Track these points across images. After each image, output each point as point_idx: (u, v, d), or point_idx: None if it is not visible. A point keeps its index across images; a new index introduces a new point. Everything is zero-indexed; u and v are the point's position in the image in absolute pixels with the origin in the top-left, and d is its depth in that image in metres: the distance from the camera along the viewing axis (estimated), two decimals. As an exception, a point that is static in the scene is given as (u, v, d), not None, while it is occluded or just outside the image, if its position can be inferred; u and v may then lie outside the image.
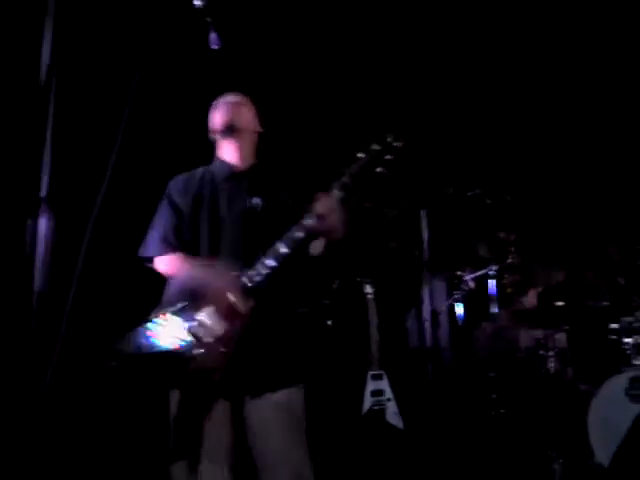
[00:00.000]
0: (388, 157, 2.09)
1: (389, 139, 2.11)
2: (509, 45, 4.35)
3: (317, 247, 2.20)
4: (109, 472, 3.20)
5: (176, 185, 2.27)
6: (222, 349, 1.96)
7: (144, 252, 2.23)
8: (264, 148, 2.33)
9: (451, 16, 4.24)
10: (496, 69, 4.49)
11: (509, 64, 4.47)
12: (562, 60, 4.42)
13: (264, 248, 2.03)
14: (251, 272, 2.00)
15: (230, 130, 2.22)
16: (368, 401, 3.95)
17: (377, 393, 3.95)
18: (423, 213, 4.88)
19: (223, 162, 2.28)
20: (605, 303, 3.67)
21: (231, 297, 1.98)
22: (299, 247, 2.03)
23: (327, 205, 2.02)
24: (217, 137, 2.29)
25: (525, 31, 4.28)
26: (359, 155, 2.10)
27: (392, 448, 3.73)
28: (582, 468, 3.19)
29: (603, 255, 3.89)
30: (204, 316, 1.99)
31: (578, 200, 4.55)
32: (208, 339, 1.96)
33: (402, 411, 3.96)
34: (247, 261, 2.04)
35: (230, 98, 2.30)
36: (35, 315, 1.37)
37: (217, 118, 2.26)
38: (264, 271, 1.99)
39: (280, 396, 2.07)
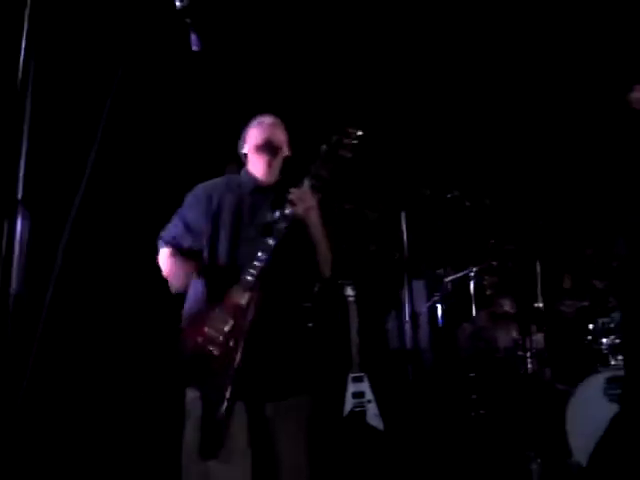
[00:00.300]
0: (347, 141, 2.23)
1: (347, 129, 2.26)
2: (489, 49, 4.39)
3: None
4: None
5: (200, 195, 2.40)
6: (232, 344, 2.11)
7: (161, 237, 2.39)
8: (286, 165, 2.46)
9: (432, 22, 4.27)
10: (476, 74, 4.52)
11: (488, 70, 4.51)
12: (539, 67, 4.47)
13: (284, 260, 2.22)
14: (248, 268, 2.15)
15: (268, 147, 2.37)
16: (349, 403, 3.96)
17: (358, 395, 3.96)
18: (403, 215, 4.90)
19: (251, 175, 2.42)
20: (583, 304, 3.71)
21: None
22: (284, 237, 2.18)
23: (299, 193, 2.20)
24: (249, 151, 2.42)
25: (506, 34, 4.31)
26: (322, 147, 2.25)
27: (373, 449, 3.74)
28: (560, 467, 3.22)
29: (580, 257, 3.95)
30: (213, 315, 2.16)
31: (555, 203, 4.60)
32: (219, 336, 2.12)
33: (383, 412, 3.96)
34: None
35: (271, 119, 2.45)
36: (12, 317, 1.35)
37: (257, 134, 2.40)
38: (258, 264, 2.14)
39: (299, 401, 2.25)
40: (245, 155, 2.44)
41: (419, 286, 4.91)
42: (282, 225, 2.17)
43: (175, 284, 2.32)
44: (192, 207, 2.38)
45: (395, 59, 4.42)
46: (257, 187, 2.39)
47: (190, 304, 2.32)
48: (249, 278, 2.13)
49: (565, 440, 3.20)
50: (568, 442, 3.18)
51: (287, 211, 2.19)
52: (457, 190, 4.14)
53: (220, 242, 2.29)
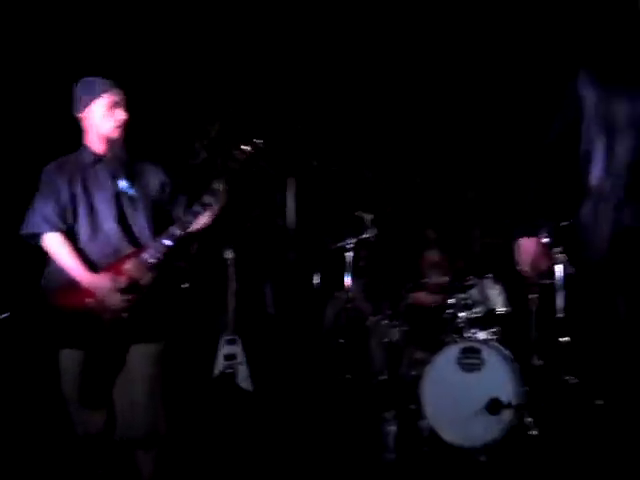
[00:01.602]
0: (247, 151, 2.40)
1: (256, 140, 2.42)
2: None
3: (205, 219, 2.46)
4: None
5: (53, 171, 2.37)
6: (123, 308, 2.24)
7: (30, 229, 2.34)
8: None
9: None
10: (360, 46, 4.56)
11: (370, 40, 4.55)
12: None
13: (137, 227, 2.33)
14: (150, 250, 2.27)
15: (125, 104, 2.37)
16: (220, 365, 4.00)
17: (230, 357, 4.02)
18: (291, 181, 4.94)
19: (88, 148, 2.40)
20: (445, 278, 3.96)
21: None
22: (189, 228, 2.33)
23: (215, 200, 2.34)
24: (101, 112, 2.34)
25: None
26: (243, 147, 2.38)
27: (240, 410, 3.82)
28: (414, 429, 3.45)
29: (421, 236, 4.23)
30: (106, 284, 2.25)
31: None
32: (111, 304, 2.24)
33: (254, 375, 4.05)
34: (126, 240, 2.30)
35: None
36: None
37: (113, 92, 2.36)
38: (163, 250, 2.27)
39: (156, 347, 2.35)
40: (81, 119, 2.37)
41: (302, 253, 5.00)
42: (189, 219, 2.31)
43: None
44: (55, 179, 2.34)
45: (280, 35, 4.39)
46: (98, 160, 2.38)
47: (60, 271, 2.30)
48: (152, 260, 2.25)
49: (419, 404, 3.43)
50: (422, 405, 3.41)
51: (197, 208, 2.30)
52: (337, 164, 4.25)
53: (81, 220, 2.32)
